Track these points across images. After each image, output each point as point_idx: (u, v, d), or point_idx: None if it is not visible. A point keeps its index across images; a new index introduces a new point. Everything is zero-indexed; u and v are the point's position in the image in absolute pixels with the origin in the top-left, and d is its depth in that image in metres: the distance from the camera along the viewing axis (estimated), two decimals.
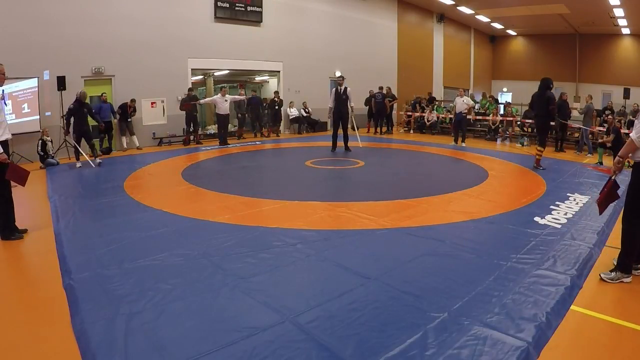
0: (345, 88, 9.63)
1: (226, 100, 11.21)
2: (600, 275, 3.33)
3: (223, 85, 14.15)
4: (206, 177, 7.34)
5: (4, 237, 4.23)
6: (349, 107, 9.76)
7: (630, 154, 3.18)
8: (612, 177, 3.38)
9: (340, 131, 9.90)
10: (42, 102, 9.26)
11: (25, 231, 4.43)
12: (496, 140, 12.92)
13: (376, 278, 3.21)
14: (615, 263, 3.32)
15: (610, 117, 8.56)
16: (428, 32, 20.32)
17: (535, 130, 8.17)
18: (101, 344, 2.37)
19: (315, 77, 15.06)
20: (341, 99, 9.63)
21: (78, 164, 8.35)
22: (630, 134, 3.16)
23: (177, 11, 11.43)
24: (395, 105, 15.33)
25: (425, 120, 14.99)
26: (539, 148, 7.96)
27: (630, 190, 3.25)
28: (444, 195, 5.87)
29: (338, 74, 15.53)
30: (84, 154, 8.47)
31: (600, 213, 3.63)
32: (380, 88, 14.54)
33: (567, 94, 11.74)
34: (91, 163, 8.29)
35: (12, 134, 4.59)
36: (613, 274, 3.27)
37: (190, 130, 11.54)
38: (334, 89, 9.85)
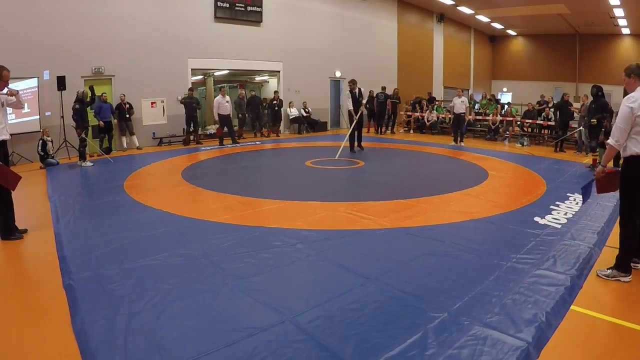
0: (359, 89, 9.82)
1: (227, 102, 11.25)
2: (597, 272, 3.34)
3: (222, 85, 14.14)
4: (206, 177, 7.34)
5: (4, 237, 4.23)
6: (363, 107, 9.94)
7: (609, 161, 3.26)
8: (593, 180, 3.52)
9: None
10: (42, 102, 9.26)
11: (25, 231, 4.43)
12: (496, 140, 12.92)
13: (376, 278, 3.21)
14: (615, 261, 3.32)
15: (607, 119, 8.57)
16: (428, 32, 20.31)
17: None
18: (101, 344, 2.37)
19: (315, 77, 15.04)
20: (358, 101, 9.82)
21: (89, 163, 8.44)
22: (608, 140, 3.20)
23: (177, 11, 11.43)
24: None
25: (425, 120, 14.98)
26: None
27: (622, 188, 3.26)
28: (444, 195, 5.87)
29: (338, 74, 15.56)
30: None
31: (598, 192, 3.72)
32: (383, 88, 14.52)
33: (569, 94, 11.76)
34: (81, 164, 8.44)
35: (12, 134, 4.59)
36: (609, 271, 3.28)
37: (190, 130, 11.54)
38: (348, 92, 9.90)
